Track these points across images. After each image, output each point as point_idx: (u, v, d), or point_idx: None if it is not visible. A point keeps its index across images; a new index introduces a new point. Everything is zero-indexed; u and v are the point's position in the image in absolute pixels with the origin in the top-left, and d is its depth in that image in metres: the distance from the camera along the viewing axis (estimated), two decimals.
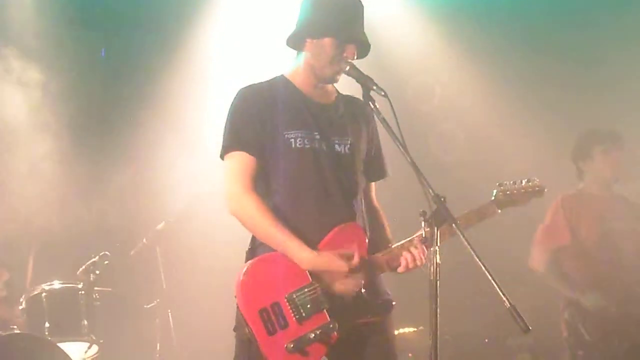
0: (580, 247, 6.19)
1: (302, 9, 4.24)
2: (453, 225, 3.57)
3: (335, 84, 4.30)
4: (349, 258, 3.99)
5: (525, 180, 4.34)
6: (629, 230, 6.14)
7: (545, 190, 4.47)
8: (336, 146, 4.16)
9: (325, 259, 3.95)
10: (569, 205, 6.19)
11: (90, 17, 8.05)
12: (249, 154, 4.07)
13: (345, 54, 4.10)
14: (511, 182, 4.33)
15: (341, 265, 3.94)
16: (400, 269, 4.04)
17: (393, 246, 4.11)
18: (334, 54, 4.10)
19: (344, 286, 3.96)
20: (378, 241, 4.22)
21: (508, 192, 4.28)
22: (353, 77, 4.03)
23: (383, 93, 3.87)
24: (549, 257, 6.19)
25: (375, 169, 4.39)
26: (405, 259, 4.01)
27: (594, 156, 6.25)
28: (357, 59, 4.18)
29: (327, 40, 4.11)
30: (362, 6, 4.24)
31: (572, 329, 6.07)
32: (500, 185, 4.28)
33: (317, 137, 4.13)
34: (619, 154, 6.24)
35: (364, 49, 4.21)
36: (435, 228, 3.56)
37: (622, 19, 7.60)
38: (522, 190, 4.32)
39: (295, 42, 4.23)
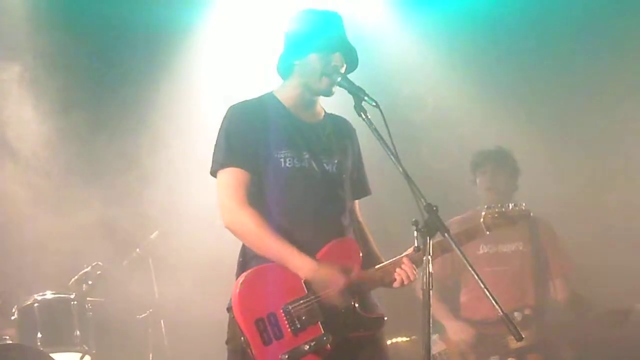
0: (446, 275, 6.16)
1: (285, 34, 4.31)
2: (445, 234, 3.59)
3: (323, 100, 4.34)
4: (346, 272, 4.02)
5: (513, 204, 4.47)
6: (511, 252, 6.11)
7: (531, 214, 4.56)
8: (325, 165, 4.21)
9: (326, 270, 3.97)
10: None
11: (82, 22, 8.03)
12: (244, 170, 4.10)
13: (334, 63, 4.14)
14: (499, 205, 4.51)
15: (340, 279, 3.96)
16: (395, 284, 4.09)
17: (387, 262, 4.14)
18: (323, 67, 4.14)
19: (338, 300, 3.97)
20: (367, 256, 4.25)
21: (496, 216, 4.41)
22: (344, 88, 4.05)
23: (374, 103, 3.88)
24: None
25: (359, 187, 4.45)
26: (399, 274, 4.06)
27: (478, 179, 6.24)
28: (349, 68, 4.23)
29: (312, 57, 4.17)
30: (340, 16, 4.30)
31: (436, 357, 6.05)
32: (488, 207, 4.47)
33: (307, 156, 4.18)
34: (495, 175, 6.15)
35: (351, 56, 4.24)
36: (428, 237, 3.57)
37: (613, 23, 7.62)
38: (509, 214, 4.48)
39: (284, 68, 4.29)
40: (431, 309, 5.80)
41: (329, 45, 4.17)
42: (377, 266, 4.14)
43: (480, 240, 5.96)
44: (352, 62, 4.26)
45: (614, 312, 6.00)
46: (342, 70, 4.17)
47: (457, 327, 6.02)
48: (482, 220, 4.41)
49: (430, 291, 3.52)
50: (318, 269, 3.96)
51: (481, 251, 6.05)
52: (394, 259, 4.13)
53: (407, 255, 4.09)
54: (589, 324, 5.99)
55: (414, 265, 4.04)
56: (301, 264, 3.97)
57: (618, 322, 5.95)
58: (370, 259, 4.24)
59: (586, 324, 6.01)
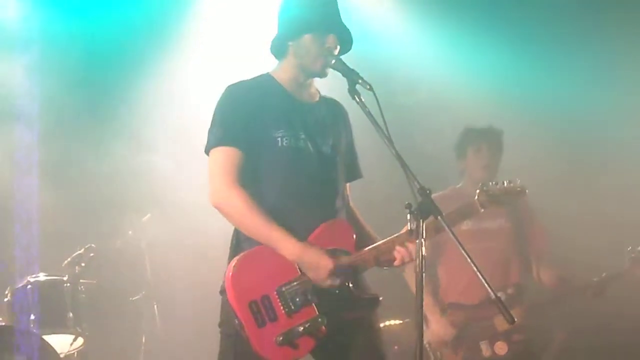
0: (435, 257, 6.05)
1: (278, 15, 4.30)
2: (438, 217, 3.60)
3: (318, 80, 4.32)
4: (338, 254, 4.03)
5: (507, 181, 4.43)
6: (496, 228, 6.08)
7: (527, 191, 4.51)
8: (320, 146, 4.21)
9: (313, 252, 3.96)
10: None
11: (75, 10, 8.01)
12: (238, 149, 4.08)
13: (327, 45, 4.14)
14: (494, 182, 4.40)
15: (327, 261, 3.96)
16: (396, 263, 4.09)
17: (380, 242, 4.15)
18: (317, 48, 4.14)
19: (326, 282, 3.97)
20: (361, 237, 4.25)
21: (490, 193, 4.37)
22: (339, 71, 4.05)
23: (369, 87, 3.88)
24: (410, 267, 6.03)
25: (351, 170, 4.46)
26: (400, 252, 4.06)
27: (467, 156, 6.11)
28: (343, 49, 4.23)
29: (306, 37, 4.16)
30: None
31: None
32: (483, 185, 4.38)
33: (303, 136, 4.17)
34: (491, 153, 6.06)
35: (346, 37, 4.25)
36: (421, 220, 3.58)
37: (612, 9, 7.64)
38: (504, 191, 4.40)
39: (278, 48, 4.28)
40: (414, 293, 5.89)
41: (323, 26, 4.17)
42: (370, 246, 4.14)
43: None
44: (346, 43, 4.26)
45: (591, 284, 5.94)
46: (336, 51, 4.17)
47: (440, 325, 5.88)
48: (476, 198, 4.37)
49: (423, 274, 3.53)
50: (305, 251, 3.96)
51: (465, 227, 5.86)
52: (387, 239, 4.13)
53: (399, 236, 4.09)
54: (569, 297, 5.94)
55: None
56: (288, 246, 3.97)
57: (597, 292, 5.90)
58: (363, 239, 4.24)
59: (567, 298, 5.94)
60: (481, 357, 5.81)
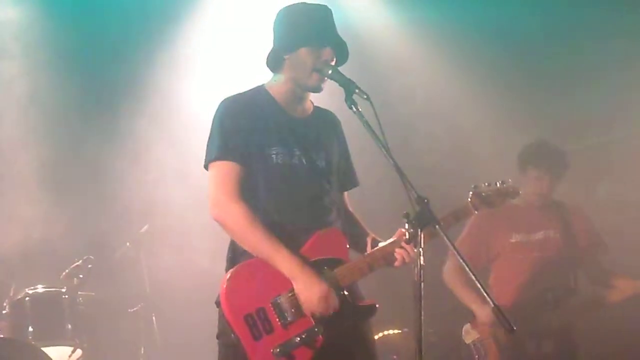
0: (483, 264, 6.16)
1: (274, 28, 4.29)
2: (437, 226, 3.61)
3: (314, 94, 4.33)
4: (331, 264, 4.04)
5: (500, 182, 4.44)
6: (543, 239, 6.12)
7: (520, 191, 4.53)
8: (315, 161, 4.21)
9: (307, 276, 3.95)
10: (481, 221, 6.07)
11: (72, 13, 8.02)
12: (237, 163, 4.08)
13: (324, 58, 4.14)
14: (486, 184, 4.41)
15: (320, 287, 3.93)
16: (397, 263, 4.08)
17: (375, 249, 4.15)
18: (313, 62, 4.13)
19: (317, 307, 3.94)
20: (364, 242, 4.28)
21: (483, 194, 4.39)
22: (335, 81, 4.04)
23: (365, 96, 3.88)
24: (452, 270, 6.12)
25: (347, 179, 4.45)
26: (400, 253, 4.06)
27: (527, 175, 6.12)
28: (339, 62, 4.22)
29: (302, 51, 4.15)
30: (330, 10, 4.28)
31: (466, 347, 6.07)
32: (475, 187, 4.40)
33: (297, 153, 4.17)
34: (552, 182, 6.11)
35: (342, 50, 4.24)
36: (419, 230, 3.58)
37: (601, 17, 7.64)
38: (497, 192, 4.42)
39: (275, 62, 4.27)
40: (459, 294, 5.95)
41: (320, 40, 4.16)
42: (364, 254, 4.16)
43: (512, 229, 6.06)
44: (342, 56, 4.25)
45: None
46: (332, 64, 4.16)
47: (488, 310, 5.97)
48: (469, 200, 4.37)
49: (422, 283, 3.52)
50: (301, 271, 3.95)
51: (513, 240, 6.06)
52: (380, 246, 4.14)
53: (393, 242, 4.10)
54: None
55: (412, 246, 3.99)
56: (286, 263, 3.96)
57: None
58: (365, 243, 4.27)
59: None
60: (527, 354, 5.89)
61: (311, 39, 4.15)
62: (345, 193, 4.47)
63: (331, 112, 4.44)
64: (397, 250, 4.07)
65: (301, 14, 4.23)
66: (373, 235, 4.34)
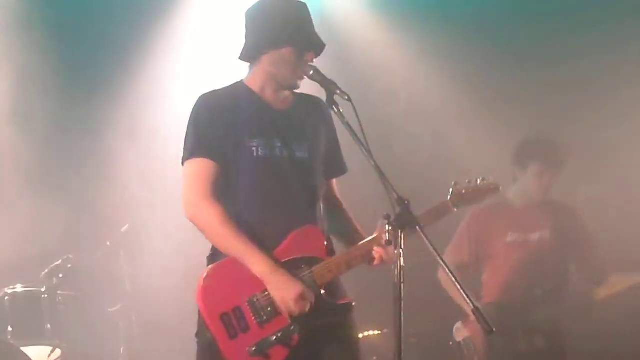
0: (476, 264, 6.24)
1: (253, 22, 4.23)
2: (417, 228, 3.61)
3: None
4: (308, 262, 4.02)
5: (480, 179, 4.43)
6: (538, 240, 6.15)
7: (500, 188, 4.55)
8: (297, 153, 4.17)
9: (280, 276, 3.93)
10: (476, 221, 6.17)
11: (56, 12, 7.99)
12: (212, 160, 4.06)
13: (305, 59, 4.12)
14: (466, 180, 4.41)
15: (295, 289, 3.91)
16: (375, 262, 4.06)
17: (352, 248, 4.13)
18: (295, 62, 4.11)
19: (299, 306, 3.93)
20: (351, 234, 4.27)
21: (463, 191, 4.37)
22: (316, 82, 4.03)
23: (347, 97, 3.87)
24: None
25: (335, 166, 4.40)
26: (378, 252, 4.04)
27: (527, 171, 6.17)
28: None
29: (286, 50, 4.12)
30: (307, 6, 4.24)
31: (456, 344, 6.12)
32: (456, 184, 4.37)
33: (278, 145, 4.13)
34: (553, 176, 6.16)
35: (320, 52, 4.23)
36: (399, 231, 3.58)
37: (586, 14, 7.66)
38: (477, 189, 4.42)
39: (253, 55, 4.22)
40: (452, 294, 5.99)
41: (305, 43, 4.14)
42: (341, 252, 4.13)
43: (508, 228, 6.11)
44: (318, 54, 4.23)
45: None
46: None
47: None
48: (449, 197, 4.34)
49: (402, 284, 3.52)
50: (273, 273, 3.93)
51: (509, 239, 6.11)
52: (357, 244, 4.12)
53: (370, 240, 4.08)
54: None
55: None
56: (256, 265, 3.93)
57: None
58: (352, 235, 4.26)
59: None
60: (518, 351, 5.94)
61: (297, 41, 4.13)
62: (334, 180, 4.43)
63: (317, 97, 4.31)
64: (375, 249, 4.06)
65: (286, 11, 4.18)
66: (359, 228, 4.31)
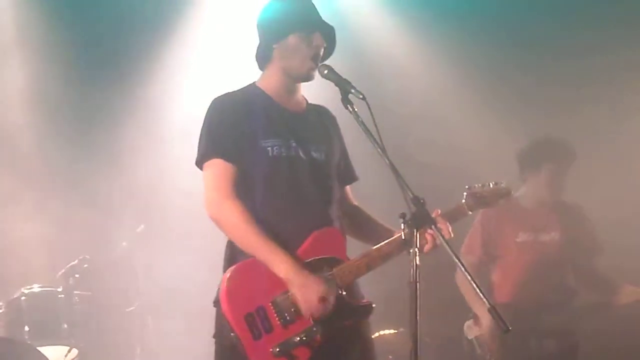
0: (488, 264, 6.24)
1: (261, 24, 4.29)
2: (432, 227, 3.62)
3: (306, 93, 4.34)
4: (329, 263, 4.02)
5: (493, 183, 4.47)
6: (549, 241, 6.15)
7: (512, 192, 4.58)
8: (313, 153, 4.19)
9: (303, 278, 3.93)
10: (487, 221, 6.17)
11: (70, 17, 8.02)
12: (228, 161, 4.07)
13: (315, 43, 4.14)
14: (479, 184, 4.45)
15: (319, 291, 3.92)
16: (427, 247, 3.97)
17: (372, 249, 4.13)
18: (303, 48, 4.13)
19: (322, 307, 3.93)
20: (376, 232, 4.28)
21: (477, 195, 4.40)
22: (331, 80, 4.03)
23: (361, 96, 3.87)
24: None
25: (347, 174, 4.44)
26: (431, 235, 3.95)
27: (541, 171, 6.17)
28: (328, 47, 4.22)
29: (291, 38, 4.15)
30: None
31: (468, 342, 6.13)
32: (469, 188, 4.41)
33: (294, 144, 4.15)
34: (564, 178, 6.19)
35: (329, 34, 4.23)
36: (415, 230, 3.59)
37: (600, 13, 7.65)
38: (490, 193, 4.46)
39: (264, 54, 4.26)
40: (465, 295, 5.99)
41: (308, 25, 4.16)
42: (361, 254, 4.12)
43: (518, 228, 6.12)
44: (331, 41, 4.24)
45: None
46: (322, 50, 4.17)
47: (489, 319, 6.00)
48: (463, 200, 4.38)
49: (418, 283, 3.53)
50: (296, 273, 3.92)
51: (520, 239, 6.12)
52: (377, 246, 4.12)
53: (390, 242, 4.08)
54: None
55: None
56: (279, 265, 3.93)
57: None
58: (377, 232, 4.27)
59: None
60: (529, 352, 5.94)
61: (299, 25, 4.15)
62: (347, 187, 4.46)
63: (326, 108, 4.40)
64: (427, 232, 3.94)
65: (285, 2, 4.25)
66: (387, 225, 4.31)
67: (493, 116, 7.75)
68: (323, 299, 3.91)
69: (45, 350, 6.47)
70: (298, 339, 3.90)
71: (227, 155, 4.08)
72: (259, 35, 4.29)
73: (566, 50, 7.76)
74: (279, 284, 3.94)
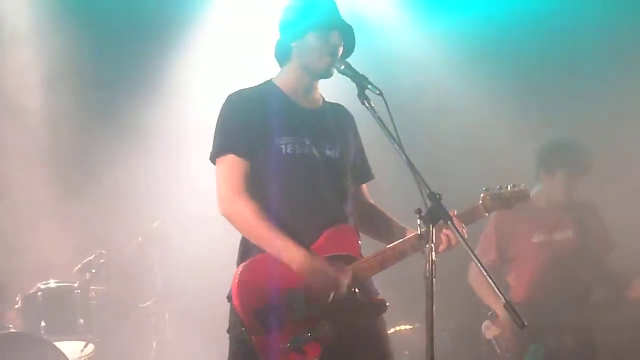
0: (503, 265, 6.25)
1: (281, 23, 4.31)
2: (448, 222, 3.61)
3: (323, 89, 4.34)
4: (343, 261, 4.03)
5: (511, 185, 4.46)
6: (562, 240, 6.16)
7: (531, 195, 4.57)
8: (327, 151, 4.20)
9: (317, 263, 3.94)
10: (501, 221, 6.17)
11: (80, 19, 8.04)
12: (241, 157, 4.08)
13: (332, 42, 4.14)
14: (497, 186, 4.44)
15: (332, 274, 3.94)
16: (442, 247, 4.00)
17: (387, 247, 4.13)
18: (321, 45, 4.14)
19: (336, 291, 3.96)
20: (392, 230, 4.29)
21: (495, 197, 4.39)
22: (348, 76, 4.04)
23: (378, 92, 3.88)
24: (476, 272, 6.13)
25: (363, 172, 4.45)
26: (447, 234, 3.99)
27: (556, 175, 6.20)
28: (347, 47, 4.22)
29: (310, 36, 4.16)
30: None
31: (486, 342, 6.12)
32: (486, 190, 4.41)
33: (308, 142, 4.15)
34: (580, 183, 6.22)
35: (348, 34, 4.23)
36: (431, 225, 3.58)
37: (617, 20, 7.62)
38: (508, 195, 4.45)
39: (282, 52, 4.27)
40: (482, 294, 6.00)
41: (326, 23, 4.17)
42: (375, 252, 4.13)
43: (534, 229, 6.14)
44: (349, 41, 4.25)
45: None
46: (340, 48, 4.17)
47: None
48: (481, 202, 4.37)
49: (434, 279, 3.52)
50: (309, 261, 3.93)
51: (535, 239, 6.15)
52: (393, 244, 4.13)
53: (405, 240, 4.10)
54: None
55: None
56: (292, 256, 3.94)
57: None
58: (393, 232, 4.27)
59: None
60: (548, 349, 5.97)
61: (318, 24, 4.16)
62: (364, 186, 4.46)
63: (343, 106, 4.42)
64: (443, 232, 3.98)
65: (306, 2, 4.25)
66: (403, 225, 4.30)
67: (511, 113, 7.74)
68: (337, 281, 3.92)
69: (61, 345, 6.49)
70: (309, 334, 3.90)
71: (239, 151, 4.09)
72: (279, 33, 4.30)
73: (589, 47, 7.74)
74: (290, 279, 3.94)
